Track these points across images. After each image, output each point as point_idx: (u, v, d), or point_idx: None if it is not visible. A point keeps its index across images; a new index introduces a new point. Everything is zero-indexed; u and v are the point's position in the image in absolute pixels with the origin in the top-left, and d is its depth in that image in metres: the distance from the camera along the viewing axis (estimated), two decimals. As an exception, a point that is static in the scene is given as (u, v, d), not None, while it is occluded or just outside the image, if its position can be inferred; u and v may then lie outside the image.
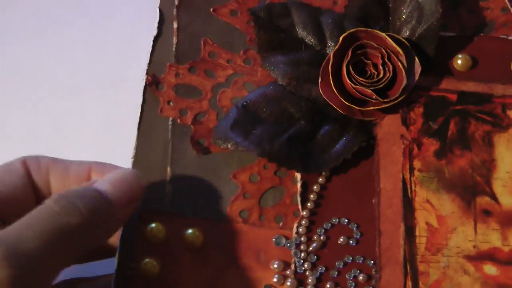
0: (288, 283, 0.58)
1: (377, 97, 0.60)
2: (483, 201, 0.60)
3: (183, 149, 0.61)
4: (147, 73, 0.62)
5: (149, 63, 0.63)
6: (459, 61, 0.64)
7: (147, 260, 0.58)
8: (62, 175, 0.60)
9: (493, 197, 0.60)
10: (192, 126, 0.61)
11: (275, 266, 0.58)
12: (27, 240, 0.47)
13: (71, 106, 0.79)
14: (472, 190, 0.60)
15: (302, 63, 0.63)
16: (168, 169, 0.60)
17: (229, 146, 0.59)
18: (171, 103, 0.62)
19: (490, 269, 0.59)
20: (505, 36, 0.65)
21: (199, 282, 0.58)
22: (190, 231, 0.58)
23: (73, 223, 0.49)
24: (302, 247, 0.59)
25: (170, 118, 0.62)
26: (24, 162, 0.60)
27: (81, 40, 0.83)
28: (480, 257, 0.59)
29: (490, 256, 0.59)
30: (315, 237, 0.60)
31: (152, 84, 0.62)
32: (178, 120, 0.61)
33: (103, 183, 0.55)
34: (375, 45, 0.62)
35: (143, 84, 0.62)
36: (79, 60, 0.82)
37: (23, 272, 0.46)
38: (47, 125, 0.74)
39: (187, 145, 0.61)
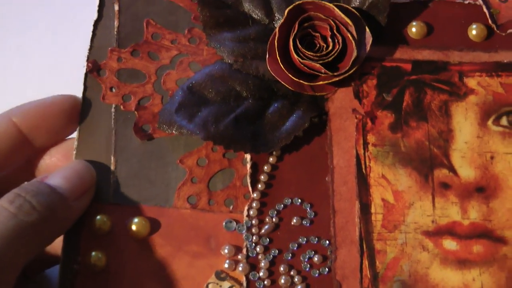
0: (240, 268, 0.54)
1: (326, 71, 0.55)
2: (441, 174, 0.55)
3: (128, 136, 0.56)
4: (87, 60, 0.58)
5: (90, 49, 0.59)
6: (413, 28, 0.59)
7: (93, 253, 0.53)
8: None
9: (452, 169, 0.55)
10: (136, 112, 0.57)
11: (226, 251, 0.54)
12: None
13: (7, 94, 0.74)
14: (429, 163, 0.55)
15: (249, 39, 0.58)
16: (112, 158, 0.56)
17: (173, 130, 0.55)
18: (114, 89, 0.57)
19: (450, 244, 0.54)
20: (461, 1, 0.60)
21: (146, 271, 0.54)
22: (136, 219, 0.54)
23: (30, 222, 0.49)
24: (253, 230, 0.55)
25: (113, 105, 0.57)
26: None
27: (16, 26, 0.77)
28: (439, 232, 0.54)
29: (450, 230, 0.54)
30: (267, 219, 0.55)
31: (93, 70, 0.58)
32: (122, 107, 0.57)
33: (55, 178, 0.53)
34: (323, 16, 0.57)
35: (84, 71, 0.57)
36: (14, 48, 0.77)
37: None
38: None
39: (131, 132, 0.57)
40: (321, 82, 0.56)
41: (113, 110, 0.57)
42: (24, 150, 0.58)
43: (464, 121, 0.57)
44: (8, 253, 0.48)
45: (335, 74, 0.56)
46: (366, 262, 0.54)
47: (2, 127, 0.56)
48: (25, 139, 0.57)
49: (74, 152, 0.56)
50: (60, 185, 0.52)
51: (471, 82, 0.58)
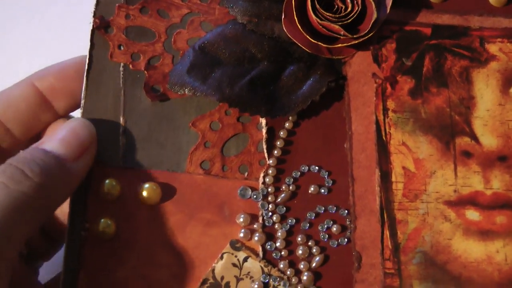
0: (256, 238, 0.50)
1: (346, 33, 0.52)
2: (463, 141, 0.52)
3: (137, 96, 0.52)
4: (94, 16, 0.53)
5: (97, 4, 0.54)
6: (432, -8, 0.55)
7: (102, 220, 0.49)
8: None
9: (473, 137, 0.52)
10: (145, 71, 0.52)
11: (241, 219, 0.50)
12: None
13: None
14: (450, 131, 0.52)
15: (263, -1, 0.53)
16: (121, 119, 0.52)
17: (186, 91, 0.51)
18: (122, 47, 0.53)
19: (472, 214, 0.51)
20: (480, -36, 0.56)
21: (158, 240, 0.50)
22: (147, 185, 0.50)
23: (24, 191, 0.44)
24: (269, 198, 0.51)
25: (122, 64, 0.53)
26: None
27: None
28: (461, 202, 0.51)
29: (472, 200, 0.51)
30: (283, 187, 0.51)
31: (101, 27, 0.53)
32: (130, 66, 0.53)
33: (49, 141, 0.49)
34: (342, -24, 0.52)
35: (91, 27, 0.52)
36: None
37: None
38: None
39: (140, 92, 0.52)
40: (340, 45, 0.53)
41: (121, 69, 0.53)
42: (46, 113, 0.55)
43: (485, 88, 0.54)
44: (4, 226, 0.43)
45: (355, 36, 0.52)
46: (387, 233, 0.50)
47: (24, 91, 0.54)
48: (47, 102, 0.54)
49: (81, 111, 0.51)
50: (56, 148, 0.48)
51: (492, 48, 0.54)
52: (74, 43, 0.58)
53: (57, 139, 0.49)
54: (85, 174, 0.50)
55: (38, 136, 0.55)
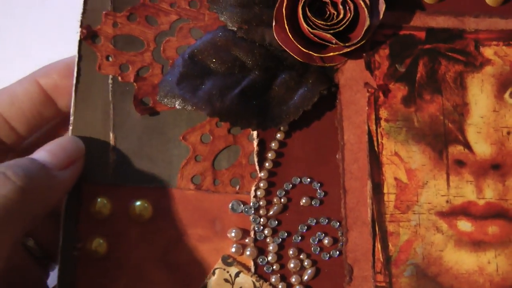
0: (248, 252, 0.50)
1: (337, 42, 0.50)
2: (456, 150, 0.51)
3: (126, 110, 0.51)
4: (81, 25, 0.51)
5: (83, 13, 0.52)
6: (427, -8, 0.53)
7: (93, 239, 0.48)
8: None
9: (467, 145, 0.51)
10: (134, 83, 0.51)
11: (233, 234, 0.50)
12: None
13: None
14: (443, 139, 0.51)
15: (253, 4, 0.52)
16: (111, 134, 0.51)
17: (176, 104, 0.49)
18: (110, 58, 0.51)
19: (465, 225, 0.50)
20: (477, -38, 0.54)
21: (149, 257, 0.49)
22: (138, 202, 0.49)
23: (6, 195, 0.44)
24: (261, 211, 0.50)
25: (110, 76, 0.51)
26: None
27: None
28: (453, 212, 0.50)
29: (464, 211, 0.50)
30: (275, 200, 0.50)
31: (88, 37, 0.51)
32: (119, 78, 0.51)
33: (37, 152, 0.49)
34: (333, -19, 0.50)
35: (78, 38, 0.51)
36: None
37: None
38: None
39: (130, 106, 0.51)
40: (331, 53, 0.51)
41: (110, 81, 0.51)
42: (49, 110, 0.54)
43: (480, 94, 0.52)
44: None
45: (347, 44, 0.51)
46: (378, 245, 0.50)
47: (27, 88, 0.53)
48: (50, 99, 0.54)
49: (70, 128, 0.50)
50: (42, 156, 0.48)
51: (488, 52, 0.53)
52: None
53: (44, 149, 0.49)
54: (71, 185, 0.50)
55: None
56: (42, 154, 0.48)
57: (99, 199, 0.49)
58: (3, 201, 0.44)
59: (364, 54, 0.52)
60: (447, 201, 0.51)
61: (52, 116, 0.55)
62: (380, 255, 0.50)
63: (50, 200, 0.48)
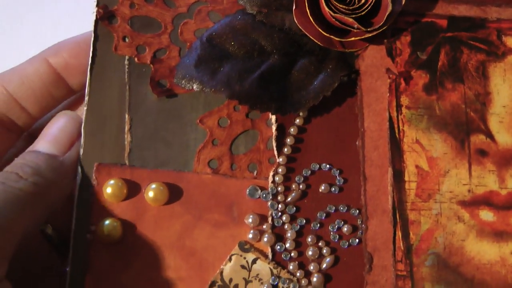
0: (265, 239, 0.48)
1: (359, 26, 0.48)
2: (478, 139, 0.49)
3: (142, 92, 0.49)
4: (97, 5, 0.49)
5: (100, -7, 0.50)
6: (449, -20, 0.52)
7: (107, 222, 0.46)
8: None
9: (489, 135, 0.49)
10: (151, 65, 0.49)
11: (250, 220, 0.48)
12: None
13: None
14: (465, 128, 0.49)
15: (273, -13, 0.50)
16: (126, 116, 0.49)
17: (194, 86, 0.47)
18: (127, 39, 0.50)
19: (487, 215, 0.48)
20: (499, -49, 0.53)
21: (164, 242, 0.47)
22: (153, 186, 0.47)
23: (21, 187, 0.45)
24: (279, 198, 0.48)
25: (126, 57, 0.49)
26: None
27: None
28: (475, 202, 0.48)
29: (486, 200, 0.49)
30: (293, 186, 0.48)
31: (104, 17, 0.50)
32: (136, 59, 0.49)
33: (41, 143, 0.49)
34: (355, -34, 0.49)
35: (94, 18, 0.49)
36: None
37: None
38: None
39: (146, 88, 0.49)
40: (353, 38, 0.49)
41: (126, 62, 0.50)
42: (60, 90, 0.53)
43: (502, 84, 0.51)
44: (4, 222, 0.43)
45: (368, 29, 0.49)
46: (399, 234, 0.48)
47: (37, 68, 0.51)
48: (61, 79, 0.52)
49: (85, 108, 0.48)
50: (47, 148, 0.48)
51: (510, 41, 0.51)
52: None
53: (44, 138, 0.49)
54: (77, 163, 0.49)
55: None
56: (44, 144, 0.49)
57: (113, 181, 0.47)
58: (17, 192, 0.44)
59: (385, 41, 0.51)
60: (469, 191, 0.49)
61: (63, 95, 0.53)
62: (401, 243, 0.48)
63: (62, 188, 0.48)
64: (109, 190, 0.47)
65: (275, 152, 0.49)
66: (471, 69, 0.51)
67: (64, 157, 0.48)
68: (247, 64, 0.49)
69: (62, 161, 0.48)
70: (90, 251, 0.47)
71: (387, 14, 0.49)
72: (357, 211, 0.49)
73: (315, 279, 0.48)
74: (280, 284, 0.47)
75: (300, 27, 0.50)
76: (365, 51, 0.51)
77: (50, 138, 0.49)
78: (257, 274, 0.47)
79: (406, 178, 0.49)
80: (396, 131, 0.49)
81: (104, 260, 0.47)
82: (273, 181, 0.49)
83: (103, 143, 0.48)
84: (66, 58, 0.52)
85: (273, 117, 0.49)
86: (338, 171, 0.49)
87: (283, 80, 0.49)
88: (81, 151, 0.48)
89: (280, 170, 0.49)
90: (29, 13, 0.73)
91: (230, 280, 0.47)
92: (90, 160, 0.48)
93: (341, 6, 0.49)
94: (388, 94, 0.50)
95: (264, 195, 0.48)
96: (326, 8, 0.49)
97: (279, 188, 0.49)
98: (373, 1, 0.50)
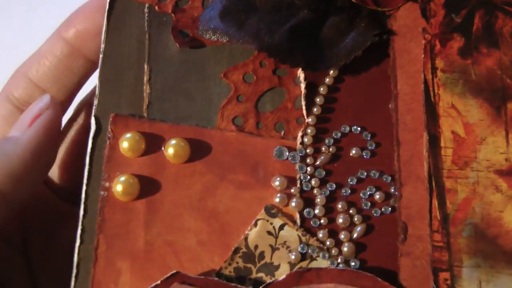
0: (293, 204, 0.43)
1: (395, -18, 0.44)
2: (515, 107, 0.46)
3: (163, 42, 0.45)
4: (116, -52, 0.45)
5: None
6: None
7: (122, 178, 0.41)
8: None
9: (526, 102, 0.46)
10: (172, 14, 0.45)
11: (277, 183, 0.43)
12: None
13: None
14: (501, 94, 0.46)
15: None
16: (145, 66, 0.44)
17: (220, 38, 0.43)
18: (147, -14, 0.45)
19: (525, 185, 0.45)
20: None
21: (185, 203, 0.43)
22: (173, 141, 0.43)
23: None
24: (308, 160, 0.44)
25: (146, 5, 0.45)
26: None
27: None
28: (513, 171, 0.45)
29: (525, 170, 0.45)
30: (323, 149, 0.44)
31: (123, -38, 0.45)
32: (156, 7, 0.45)
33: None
34: None
35: (112, -38, 0.45)
36: None
37: None
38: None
39: (167, 37, 0.45)
40: (387, -5, 0.46)
41: (146, 10, 0.45)
42: (77, 62, 0.49)
43: (538, 51, 0.47)
44: None
45: (404, -13, 0.45)
46: (435, 202, 0.44)
47: (51, 45, 0.49)
48: (76, 50, 0.48)
49: (101, 56, 0.44)
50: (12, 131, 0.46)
51: (545, 8, 0.48)
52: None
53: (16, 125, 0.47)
54: (50, 130, 0.46)
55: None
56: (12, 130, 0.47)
57: (130, 134, 0.42)
58: None
59: (419, 0, 0.47)
60: (506, 160, 0.46)
61: (83, 68, 0.49)
62: (437, 212, 0.44)
63: (31, 155, 0.45)
64: (125, 144, 0.42)
65: (304, 112, 0.45)
66: (507, 34, 0.48)
67: (20, 135, 0.45)
68: (276, 17, 0.45)
69: (16, 140, 0.45)
70: (104, 209, 0.42)
71: (423, -29, 0.46)
72: (390, 177, 0.45)
73: (345, 248, 0.44)
74: (309, 253, 0.43)
75: (331, -18, 0.46)
76: (398, 11, 0.47)
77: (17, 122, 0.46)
78: (285, 241, 0.43)
79: (442, 144, 0.45)
80: (431, 94, 0.46)
81: (118, 220, 0.42)
82: (302, 142, 0.45)
83: (119, 95, 0.44)
84: (78, 27, 0.48)
85: (302, 75, 0.45)
86: (370, 134, 0.45)
87: (313, 36, 0.46)
88: (96, 101, 0.43)
89: (309, 130, 0.45)
90: (40, 7, 0.70)
91: (256, 247, 0.43)
92: (106, 112, 0.44)
93: (376, -40, 0.45)
94: (422, 56, 0.46)
95: (292, 156, 0.44)
96: (360, -38, 0.45)
97: (308, 150, 0.45)
98: (409, -43, 0.46)
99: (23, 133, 0.45)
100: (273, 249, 0.43)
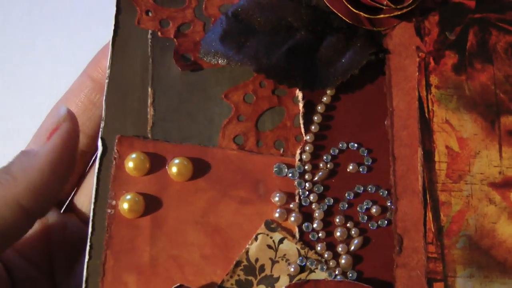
0: (292, 218, 0.45)
1: (389, 3, 0.46)
2: (508, 121, 0.47)
3: (166, 65, 0.46)
4: (120, -22, 0.47)
5: (123, -34, 0.47)
6: (477, -39, 0.50)
7: (128, 196, 0.43)
8: None
9: (519, 116, 0.47)
10: (175, 39, 0.46)
11: (277, 198, 0.45)
12: None
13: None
14: (495, 109, 0.47)
15: (300, -36, 0.48)
16: (149, 89, 0.46)
17: (219, 60, 0.45)
18: (150, 13, 0.47)
19: (518, 197, 0.46)
20: None
21: (188, 218, 0.44)
22: (177, 160, 0.44)
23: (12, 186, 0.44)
24: (306, 176, 0.45)
25: (150, 31, 0.47)
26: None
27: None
28: (506, 184, 0.46)
29: (518, 183, 0.46)
30: (321, 165, 0.46)
31: (127, -10, 0.47)
32: (159, 33, 0.47)
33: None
34: None
35: (117, -10, 0.47)
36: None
37: None
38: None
39: (170, 61, 0.47)
40: (382, 15, 0.47)
41: (149, 36, 0.47)
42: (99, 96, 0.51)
43: (531, 65, 0.48)
44: None
45: (398, 7, 0.47)
46: (430, 215, 0.45)
47: (84, 86, 0.51)
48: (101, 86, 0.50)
49: (107, 81, 0.45)
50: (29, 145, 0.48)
51: (539, 24, 0.49)
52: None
53: (33, 140, 0.49)
54: (66, 147, 0.46)
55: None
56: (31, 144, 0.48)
57: (135, 155, 0.44)
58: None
59: (414, 19, 0.49)
60: (499, 172, 0.47)
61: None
62: (432, 225, 0.45)
63: (37, 176, 0.45)
64: (131, 164, 0.44)
65: (302, 130, 0.47)
66: (500, 50, 0.49)
67: (39, 148, 0.45)
68: (274, 38, 0.47)
69: (36, 153, 0.45)
70: (111, 226, 0.44)
71: (416, -9, 0.47)
72: (386, 191, 0.46)
73: (343, 260, 0.45)
74: (308, 265, 0.44)
75: (327, 4, 0.47)
76: (393, 30, 0.49)
77: (36, 138, 0.48)
78: (284, 254, 0.44)
79: (436, 159, 0.47)
80: (426, 110, 0.47)
81: (125, 236, 0.44)
82: (300, 159, 0.46)
83: (125, 117, 0.46)
84: (106, 66, 0.49)
85: (300, 94, 0.47)
86: (366, 150, 0.47)
87: (310, 56, 0.47)
88: (102, 123, 0.45)
89: (307, 148, 0.46)
90: (44, 26, 0.71)
91: (256, 260, 0.44)
92: (112, 133, 0.45)
93: (370, -18, 0.47)
94: (417, 73, 0.48)
95: (291, 173, 0.46)
96: (355, -16, 0.47)
97: (307, 167, 0.46)
98: (403, -22, 0.48)
99: (42, 147, 0.46)
100: (273, 262, 0.45)
